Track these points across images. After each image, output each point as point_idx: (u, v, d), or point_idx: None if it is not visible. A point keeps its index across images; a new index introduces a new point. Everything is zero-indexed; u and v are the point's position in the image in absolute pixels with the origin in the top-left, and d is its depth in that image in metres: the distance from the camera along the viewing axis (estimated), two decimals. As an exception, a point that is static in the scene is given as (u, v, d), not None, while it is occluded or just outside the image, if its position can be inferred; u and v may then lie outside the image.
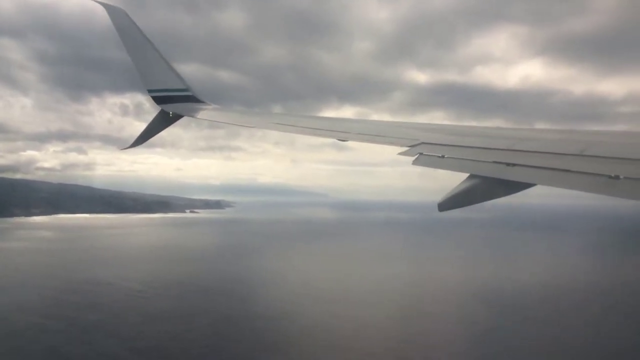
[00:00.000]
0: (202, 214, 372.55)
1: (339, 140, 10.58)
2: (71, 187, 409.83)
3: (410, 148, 8.80)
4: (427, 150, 8.53)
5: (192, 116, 14.82)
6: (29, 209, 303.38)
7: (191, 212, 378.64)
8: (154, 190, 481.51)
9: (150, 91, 15.44)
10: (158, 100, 15.50)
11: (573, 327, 79.37)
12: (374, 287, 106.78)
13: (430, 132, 10.26)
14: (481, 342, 72.42)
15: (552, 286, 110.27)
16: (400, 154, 8.71)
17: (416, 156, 8.37)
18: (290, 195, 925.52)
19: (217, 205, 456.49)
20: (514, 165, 7.22)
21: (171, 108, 15.29)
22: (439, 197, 7.38)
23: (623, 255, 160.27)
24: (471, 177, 7.42)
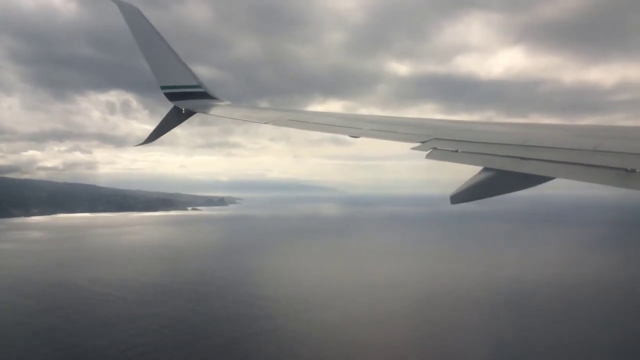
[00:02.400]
0: (205, 211, 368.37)
1: (351, 136, 10.74)
2: (74, 186, 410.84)
3: (423, 143, 8.89)
4: (440, 145, 8.62)
5: (205, 112, 14.89)
6: (28, 209, 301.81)
7: (193, 209, 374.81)
8: (159, 187, 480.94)
9: (163, 87, 15.38)
10: (171, 96, 15.43)
11: (588, 324, 75.93)
12: (368, 287, 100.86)
13: (442, 127, 10.35)
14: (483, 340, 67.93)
15: (559, 281, 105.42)
16: (413, 148, 8.82)
17: (429, 151, 8.48)
18: (298, 190, 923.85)
19: (220, 202, 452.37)
20: (529, 159, 7.33)
21: (184, 104, 15.30)
22: (450, 190, 7.51)
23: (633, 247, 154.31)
24: (485, 170, 7.49)
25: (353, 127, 11.33)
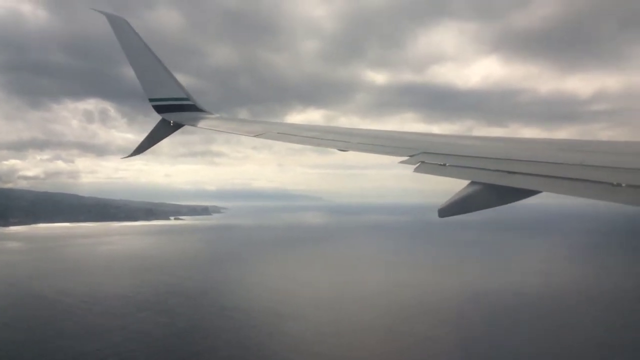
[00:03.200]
0: (187, 220, 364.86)
1: (339, 150, 10.73)
2: (56, 195, 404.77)
3: (411, 157, 8.95)
4: (428, 159, 8.70)
5: (194, 125, 14.82)
6: (7, 219, 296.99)
7: (176, 219, 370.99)
8: (143, 197, 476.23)
9: (151, 100, 15.32)
10: (159, 109, 15.40)
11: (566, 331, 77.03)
12: (342, 298, 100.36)
13: (430, 141, 10.46)
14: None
15: (537, 291, 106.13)
16: (401, 162, 8.87)
17: (417, 164, 8.54)
18: (284, 199, 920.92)
19: (204, 211, 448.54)
20: (516, 173, 7.39)
21: (172, 117, 15.27)
22: (435, 199, 7.68)
23: (618, 256, 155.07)
24: (472, 184, 7.53)
25: (341, 140, 11.46)
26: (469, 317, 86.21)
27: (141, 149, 15.63)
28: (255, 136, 13.06)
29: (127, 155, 16.04)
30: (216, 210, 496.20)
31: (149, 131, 15.82)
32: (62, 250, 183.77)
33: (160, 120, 15.38)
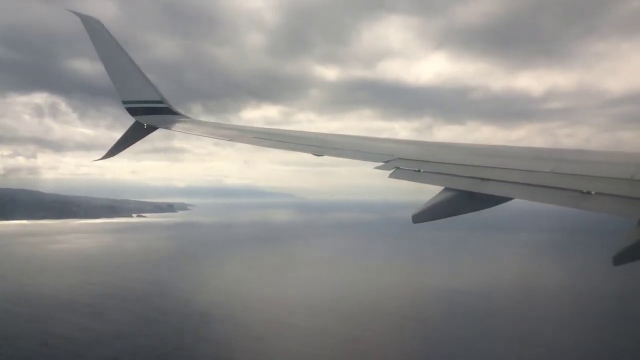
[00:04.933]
0: (150, 218, 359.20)
1: (314, 154, 10.88)
2: (16, 192, 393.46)
3: (386, 163, 9.18)
4: (402, 165, 8.98)
5: (167, 128, 14.94)
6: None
7: (138, 216, 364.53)
8: (108, 194, 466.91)
9: (124, 102, 15.28)
10: (133, 111, 15.35)
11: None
12: (279, 299, 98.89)
13: (405, 147, 10.76)
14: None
15: (487, 290, 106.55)
16: (376, 167, 9.09)
17: (392, 170, 8.79)
18: (256, 196, 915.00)
19: (169, 208, 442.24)
20: (489, 180, 7.62)
21: (146, 120, 15.23)
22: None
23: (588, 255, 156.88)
24: (446, 190, 7.75)
25: (317, 145, 11.69)
26: (428, 319, 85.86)
27: (114, 151, 15.58)
28: (229, 140, 13.25)
29: (99, 158, 16.08)
30: (182, 207, 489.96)
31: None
32: (9, 249, 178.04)
33: (134, 123, 15.29)
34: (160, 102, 15.57)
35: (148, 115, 15.32)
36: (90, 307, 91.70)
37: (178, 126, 14.98)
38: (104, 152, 15.81)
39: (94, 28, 15.21)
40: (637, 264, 6.04)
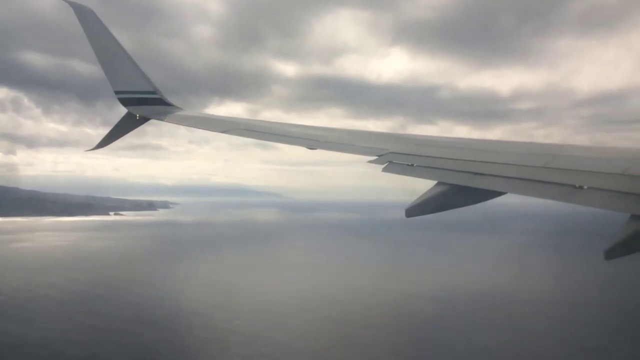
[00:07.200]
0: (127, 216, 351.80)
1: (308, 148, 10.77)
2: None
3: (379, 157, 9.11)
4: (396, 159, 8.88)
5: (160, 119, 14.76)
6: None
7: (115, 214, 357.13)
8: (88, 191, 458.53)
9: (117, 92, 14.84)
10: (125, 102, 14.94)
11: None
12: (246, 303, 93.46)
13: (399, 142, 10.56)
14: None
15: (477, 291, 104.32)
16: (370, 162, 9.03)
17: (385, 164, 8.74)
18: (243, 195, 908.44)
19: (149, 206, 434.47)
20: (482, 174, 7.62)
21: (138, 110, 14.85)
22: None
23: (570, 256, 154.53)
24: (439, 184, 7.71)
25: (310, 138, 11.50)
26: (405, 322, 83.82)
27: (106, 141, 15.19)
28: (222, 132, 13.10)
29: (90, 148, 15.74)
30: (164, 205, 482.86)
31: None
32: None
33: (127, 114, 14.93)
34: (153, 92, 15.24)
35: (140, 105, 14.93)
36: (23, 310, 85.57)
37: (170, 118, 14.72)
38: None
39: (86, 17, 14.72)
40: (625, 260, 5.90)
